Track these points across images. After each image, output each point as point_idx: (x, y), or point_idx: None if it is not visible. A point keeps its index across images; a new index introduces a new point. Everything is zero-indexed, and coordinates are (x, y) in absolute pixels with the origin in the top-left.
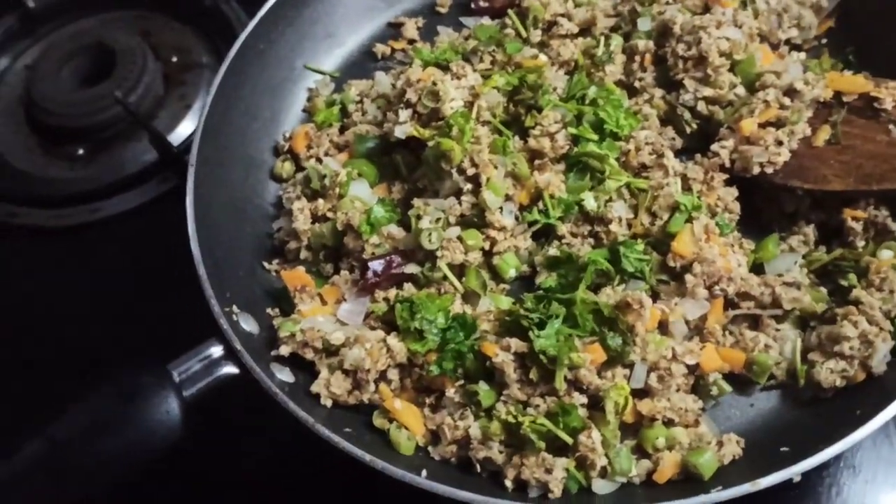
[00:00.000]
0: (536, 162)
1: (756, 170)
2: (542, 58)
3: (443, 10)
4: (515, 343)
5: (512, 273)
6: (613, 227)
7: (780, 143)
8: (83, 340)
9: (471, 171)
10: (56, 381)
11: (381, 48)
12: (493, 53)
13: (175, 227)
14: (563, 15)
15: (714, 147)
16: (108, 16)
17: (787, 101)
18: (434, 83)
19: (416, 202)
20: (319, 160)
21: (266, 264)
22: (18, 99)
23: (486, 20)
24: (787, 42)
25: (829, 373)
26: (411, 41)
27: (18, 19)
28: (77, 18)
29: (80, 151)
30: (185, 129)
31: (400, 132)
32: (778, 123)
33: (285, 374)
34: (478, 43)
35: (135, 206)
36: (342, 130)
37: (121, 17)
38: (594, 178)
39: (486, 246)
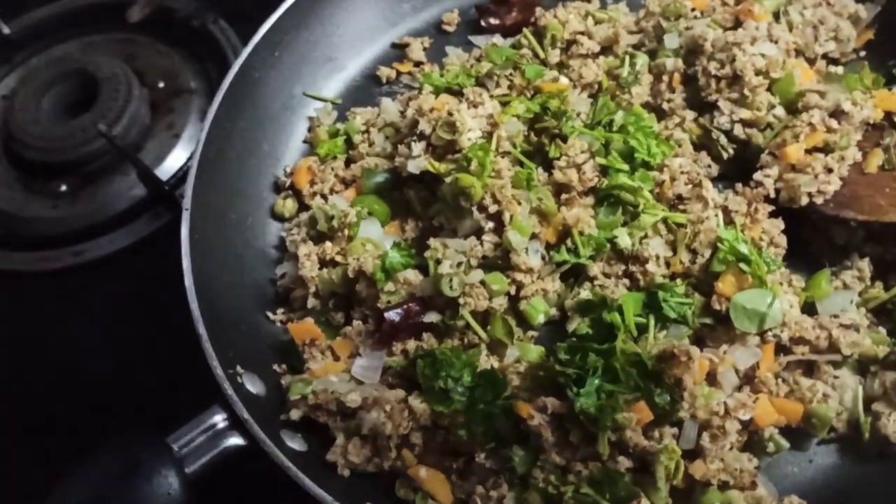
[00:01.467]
0: (563, 196)
1: (804, 200)
2: (563, 80)
3: (450, 29)
4: (552, 403)
5: (541, 319)
6: (650, 266)
7: (829, 171)
8: (69, 404)
9: (493, 209)
10: (40, 452)
11: (385, 71)
12: (510, 77)
13: (169, 270)
14: (582, 33)
15: (757, 176)
16: (89, 39)
17: (833, 123)
18: (450, 113)
19: (433, 243)
20: (325, 197)
21: (270, 315)
22: None
23: (497, 39)
24: (825, 56)
25: None
26: (418, 63)
27: None
28: (56, 43)
29: (63, 187)
30: (174, 160)
31: (414, 167)
32: (825, 149)
33: (297, 442)
34: (492, 66)
35: (123, 246)
36: (348, 163)
37: (103, 40)
38: (627, 213)
39: (512, 290)
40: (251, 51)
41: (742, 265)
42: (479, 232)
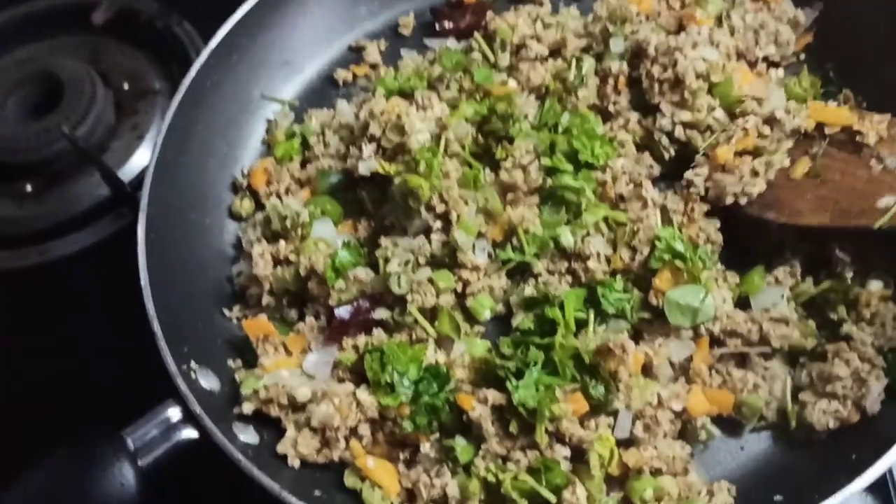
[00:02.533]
0: (509, 196)
1: (729, 199)
2: (512, 84)
3: (406, 32)
4: (493, 395)
5: (487, 315)
6: (592, 263)
7: (755, 174)
8: (28, 398)
9: (440, 209)
10: None
11: (342, 74)
12: (459, 80)
13: (130, 268)
14: (532, 37)
15: (688, 174)
16: (54, 42)
17: (766, 129)
18: (398, 116)
19: (384, 242)
20: (280, 197)
21: (226, 311)
22: None
23: (451, 42)
24: (765, 59)
25: (821, 414)
26: (374, 66)
27: None
28: (20, 45)
29: (29, 188)
30: (138, 160)
31: (364, 168)
32: (756, 153)
33: (249, 435)
34: (443, 69)
35: (88, 245)
36: (304, 164)
37: (68, 42)
38: (570, 212)
39: (459, 287)
40: (209, 54)
41: (678, 262)
42: (427, 231)
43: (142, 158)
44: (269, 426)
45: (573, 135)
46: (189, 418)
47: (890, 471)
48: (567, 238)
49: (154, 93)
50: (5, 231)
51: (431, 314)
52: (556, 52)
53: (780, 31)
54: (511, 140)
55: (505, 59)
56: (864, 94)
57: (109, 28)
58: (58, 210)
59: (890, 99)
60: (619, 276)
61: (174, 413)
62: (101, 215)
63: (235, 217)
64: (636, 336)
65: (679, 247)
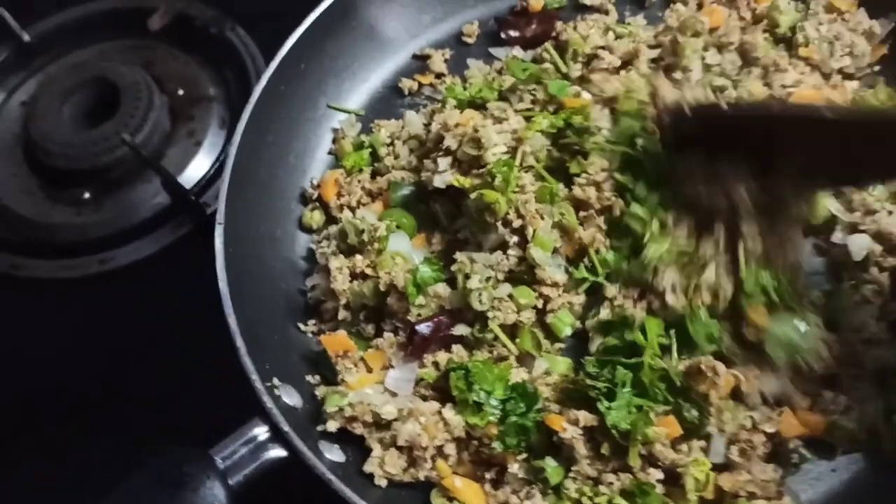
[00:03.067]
0: (581, 214)
1: None
2: (585, 96)
3: (470, 41)
4: (584, 416)
5: (568, 331)
6: (669, 297)
7: None
8: (103, 414)
9: (517, 223)
10: (75, 463)
11: (407, 83)
12: (532, 92)
13: (197, 279)
14: (603, 47)
15: None
16: (106, 46)
17: None
18: (475, 129)
19: (460, 258)
20: (352, 209)
21: (301, 326)
22: (16, 138)
23: (517, 51)
24: (840, 71)
25: None
26: (439, 75)
27: (12, 52)
28: (73, 49)
29: (86, 195)
30: (196, 168)
31: (440, 182)
32: None
33: (335, 454)
34: (515, 81)
35: (149, 254)
36: (373, 175)
37: (120, 47)
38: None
39: (539, 304)
40: (278, 64)
41: (769, 294)
42: (503, 246)
43: (200, 166)
44: (352, 444)
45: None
46: (276, 437)
47: None
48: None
49: (209, 99)
50: (64, 239)
51: (511, 331)
52: (627, 63)
53: (856, 43)
54: (585, 155)
55: (577, 71)
56: None
57: (162, 33)
58: (117, 218)
59: None
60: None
61: (261, 432)
62: (162, 223)
63: (305, 229)
64: (724, 359)
65: (767, 280)
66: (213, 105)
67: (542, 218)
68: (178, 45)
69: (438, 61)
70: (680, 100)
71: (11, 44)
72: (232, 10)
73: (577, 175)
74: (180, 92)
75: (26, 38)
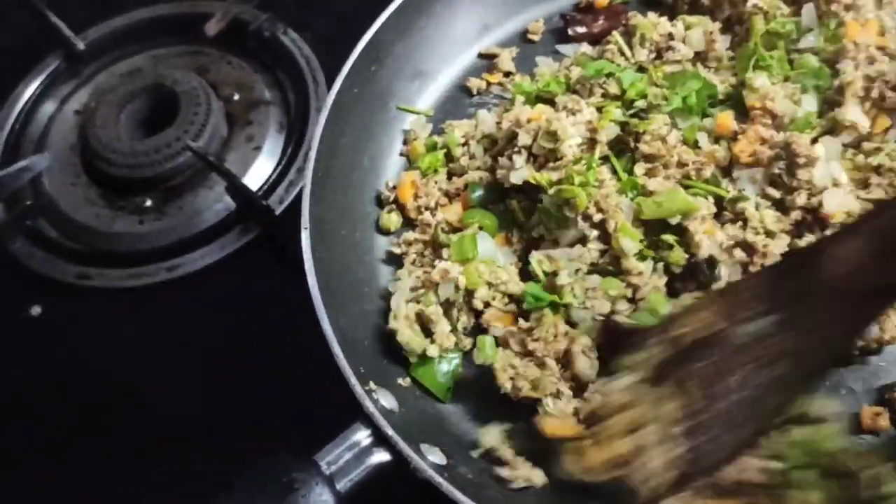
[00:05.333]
0: (647, 167)
1: None
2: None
3: (535, 38)
4: None
5: (668, 309)
6: None
7: None
8: (192, 422)
9: (597, 217)
10: (184, 473)
11: (475, 83)
12: (603, 86)
13: (267, 282)
14: (673, 36)
15: None
16: (158, 52)
17: None
18: (549, 121)
19: (536, 255)
20: (430, 211)
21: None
22: (73, 148)
23: (585, 47)
24: None
25: None
26: (507, 73)
27: (64, 59)
28: (124, 56)
29: (148, 203)
30: (258, 172)
31: (517, 178)
32: None
33: (437, 456)
34: (583, 74)
35: (216, 260)
36: (449, 176)
37: (173, 53)
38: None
39: (629, 293)
40: (351, 66)
41: None
42: (582, 241)
43: (261, 170)
44: (452, 446)
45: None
46: (380, 441)
47: None
48: None
49: (265, 103)
50: (129, 247)
51: None
52: (699, 55)
53: None
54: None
55: (642, 54)
56: None
57: (213, 38)
58: (180, 225)
59: None
60: None
61: (364, 436)
62: (227, 229)
63: (383, 231)
64: None
65: None
66: (270, 109)
67: (622, 210)
68: (230, 50)
69: (506, 59)
70: None
71: (63, 52)
72: (285, 13)
73: (642, 133)
74: (236, 97)
75: (81, 45)
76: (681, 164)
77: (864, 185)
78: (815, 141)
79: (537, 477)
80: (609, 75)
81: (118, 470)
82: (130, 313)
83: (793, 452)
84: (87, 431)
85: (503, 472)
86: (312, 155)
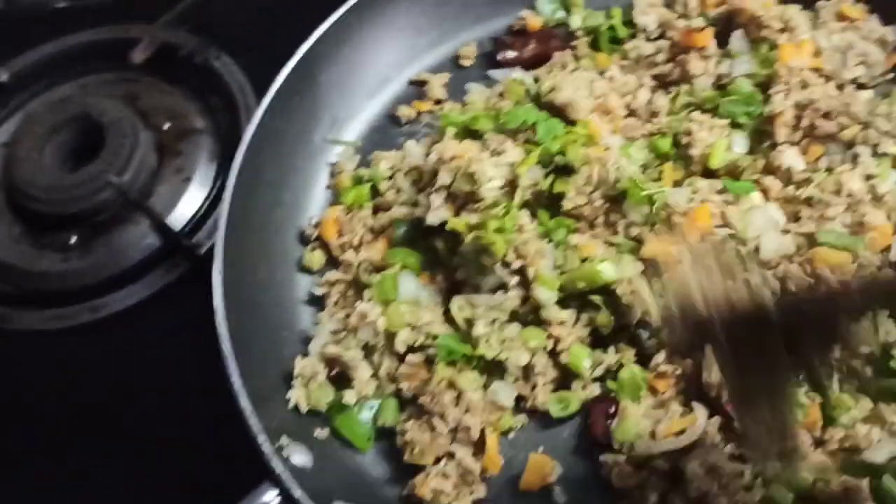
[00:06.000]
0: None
1: None
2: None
3: (468, 63)
4: None
5: (587, 363)
6: None
7: None
8: (105, 471)
9: (516, 264)
10: None
11: (405, 111)
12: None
13: (193, 323)
14: None
15: None
16: (88, 80)
17: None
18: (470, 162)
19: (457, 301)
20: (355, 249)
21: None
22: None
23: (517, 72)
24: (853, 81)
25: None
26: (438, 101)
27: None
28: (53, 85)
29: (73, 240)
30: (187, 204)
31: (434, 219)
32: None
33: None
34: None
35: (141, 299)
36: (375, 211)
37: (102, 80)
38: None
39: (550, 345)
40: (271, 99)
41: None
42: (503, 287)
43: (190, 202)
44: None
45: None
46: (288, 502)
47: None
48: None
49: (197, 132)
50: (51, 287)
51: (524, 372)
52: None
53: (869, 52)
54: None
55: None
56: None
57: (145, 65)
58: (106, 263)
59: None
60: None
61: (272, 496)
62: (154, 266)
63: (306, 270)
64: None
65: None
66: (202, 138)
67: (543, 257)
68: (162, 76)
69: (437, 86)
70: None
71: None
72: (217, 37)
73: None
74: (167, 126)
75: (4, 77)
76: (608, 224)
77: (796, 218)
78: None
79: None
80: (533, 125)
81: None
82: (53, 357)
83: None
84: None
85: None
86: (227, 195)
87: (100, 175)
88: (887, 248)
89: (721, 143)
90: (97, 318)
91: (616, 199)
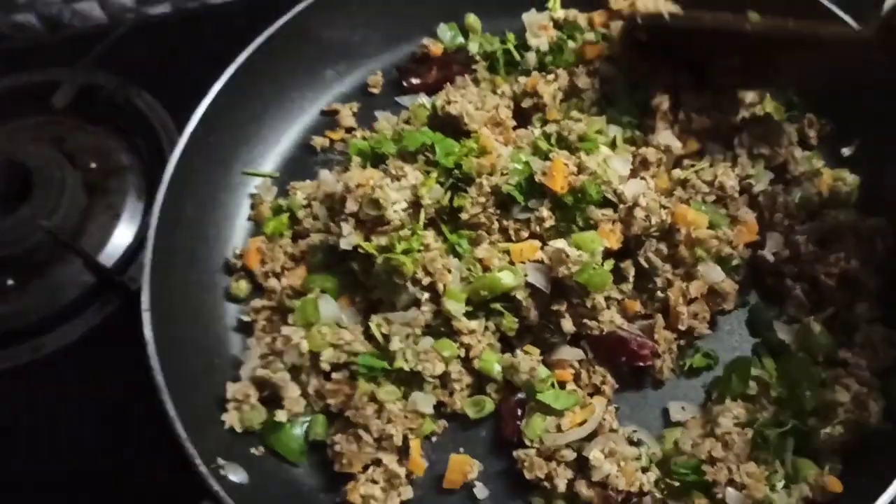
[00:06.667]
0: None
1: None
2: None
3: (376, 91)
4: None
5: (498, 368)
6: None
7: None
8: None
9: (426, 281)
10: None
11: (318, 141)
12: (426, 154)
13: (129, 356)
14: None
15: None
16: (13, 125)
17: None
18: (373, 188)
19: (375, 319)
20: (277, 276)
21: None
22: None
23: (422, 98)
24: None
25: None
26: (349, 129)
27: None
28: None
29: (10, 282)
30: (119, 240)
31: (345, 244)
32: None
33: None
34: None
35: (80, 335)
36: (295, 238)
37: (28, 124)
38: None
39: (462, 353)
40: (188, 138)
41: None
42: (416, 303)
43: (121, 238)
44: None
45: None
46: None
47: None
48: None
49: (123, 169)
50: None
51: (441, 380)
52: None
53: None
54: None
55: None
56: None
57: (68, 107)
58: (44, 302)
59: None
60: None
61: None
62: (89, 303)
63: (233, 299)
64: None
65: None
66: (128, 175)
67: (450, 271)
68: (86, 117)
69: (347, 115)
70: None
71: None
72: (136, 76)
73: (461, 210)
74: (93, 165)
75: None
76: (502, 230)
77: (669, 194)
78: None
79: None
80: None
81: None
82: None
83: None
84: None
85: None
86: (151, 234)
87: (30, 219)
88: (751, 243)
89: (594, 124)
90: (38, 358)
91: (505, 205)
